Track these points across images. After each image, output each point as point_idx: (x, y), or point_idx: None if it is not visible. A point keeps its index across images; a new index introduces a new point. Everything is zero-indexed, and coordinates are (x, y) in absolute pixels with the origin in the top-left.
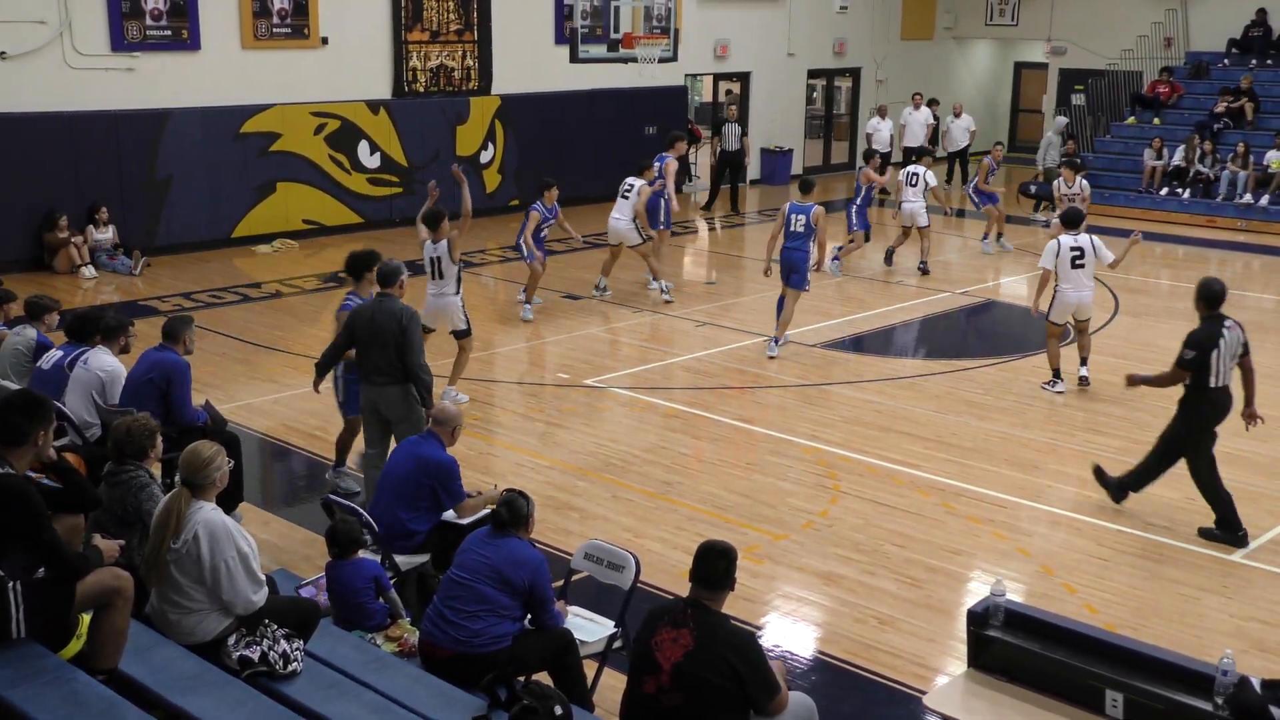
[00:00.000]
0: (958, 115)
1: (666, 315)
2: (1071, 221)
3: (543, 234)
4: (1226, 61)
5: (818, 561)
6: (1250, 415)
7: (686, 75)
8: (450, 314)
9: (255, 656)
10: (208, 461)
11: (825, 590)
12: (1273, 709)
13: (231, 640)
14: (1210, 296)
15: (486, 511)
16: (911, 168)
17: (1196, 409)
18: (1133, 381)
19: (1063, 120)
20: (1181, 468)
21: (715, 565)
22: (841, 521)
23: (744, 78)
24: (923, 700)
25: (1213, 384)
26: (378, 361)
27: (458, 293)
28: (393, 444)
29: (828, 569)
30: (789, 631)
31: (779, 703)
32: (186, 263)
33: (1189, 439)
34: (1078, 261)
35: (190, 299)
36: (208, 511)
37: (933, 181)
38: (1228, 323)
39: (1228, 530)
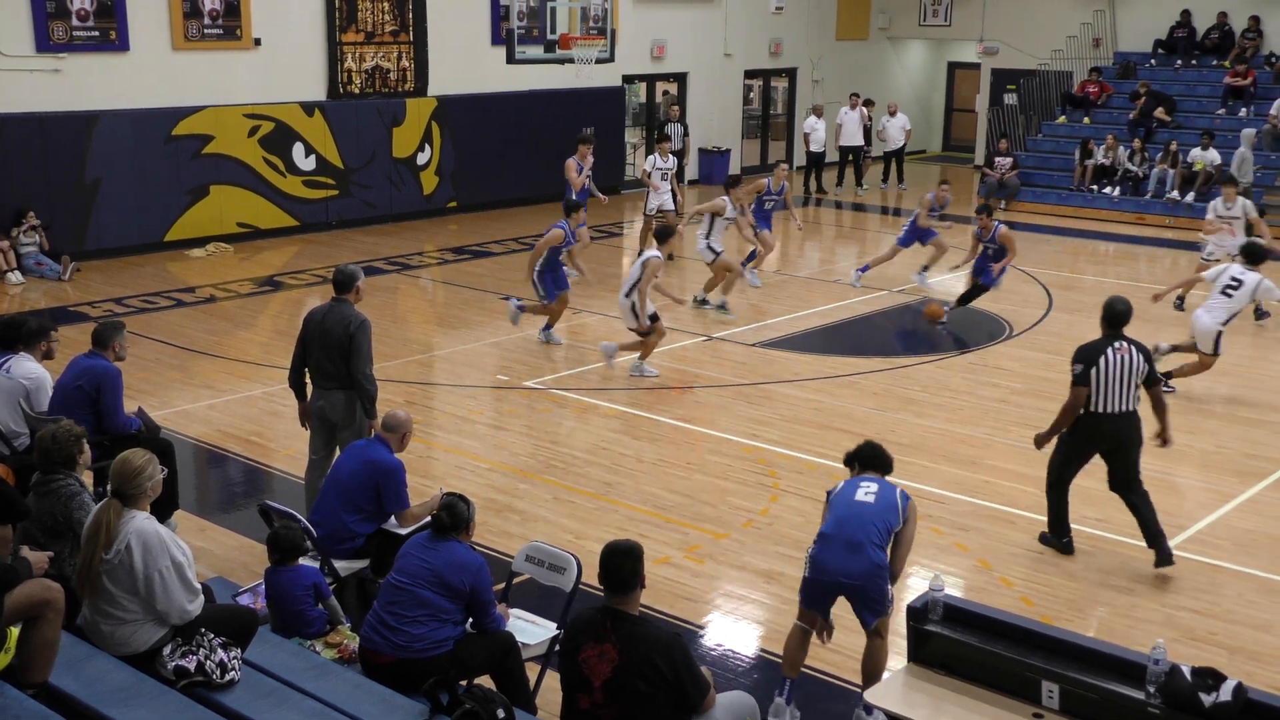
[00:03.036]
0: (893, 115)
1: (606, 316)
2: (1255, 257)
3: (561, 259)
4: (1153, 62)
5: (759, 560)
6: (1162, 439)
7: (623, 76)
8: (624, 313)
9: (192, 666)
10: (138, 471)
11: (766, 588)
12: (1202, 695)
13: (167, 650)
14: (1111, 316)
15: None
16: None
17: (1071, 429)
18: (1042, 441)
19: (1251, 131)
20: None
21: (621, 567)
22: (782, 520)
23: (681, 78)
24: (863, 695)
25: (1091, 408)
26: (324, 366)
27: (628, 295)
28: (338, 453)
29: (769, 567)
30: (731, 630)
31: (710, 699)
32: (117, 267)
33: (1057, 449)
34: (1228, 289)
35: (122, 304)
36: (141, 521)
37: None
38: (1117, 344)
39: (1055, 535)
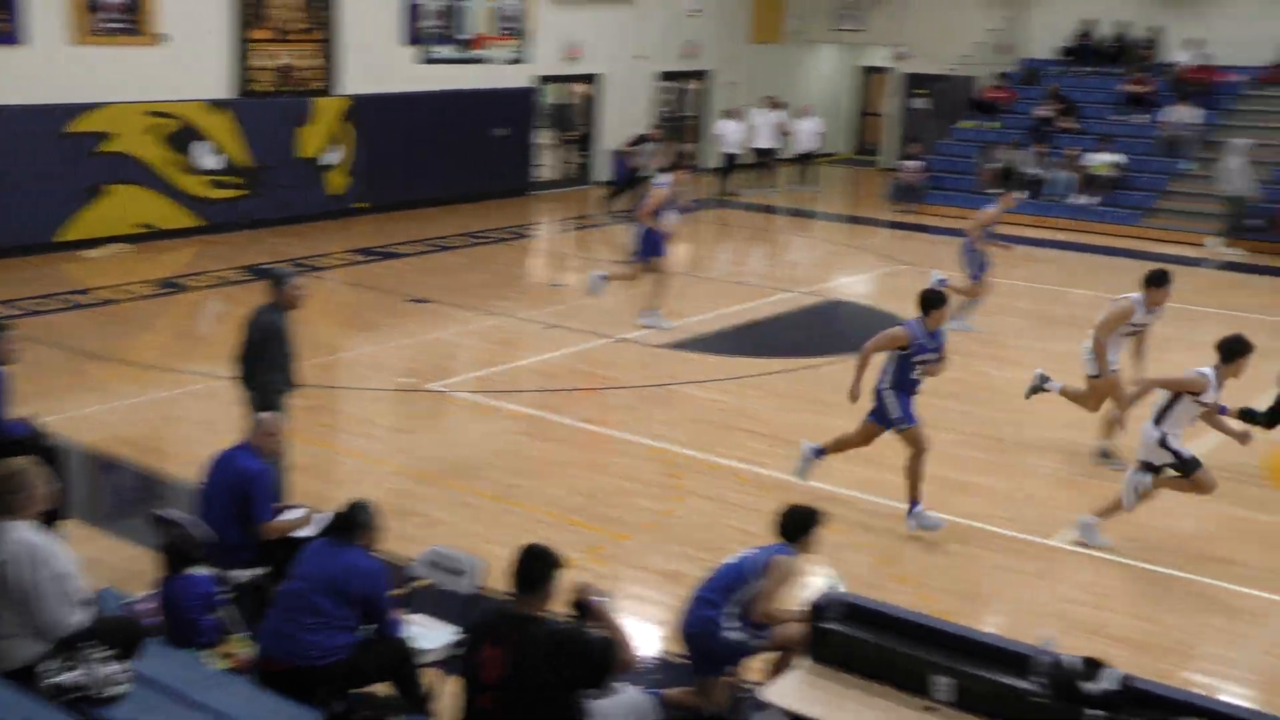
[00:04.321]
0: (805, 117)
1: (513, 318)
2: None
3: (915, 375)
4: (1058, 68)
5: (661, 560)
6: None
7: (537, 77)
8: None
9: (74, 681)
10: (6, 479)
11: (668, 588)
12: (1088, 685)
13: (48, 665)
14: None
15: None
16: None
17: None
18: None
19: (1244, 143)
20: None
21: (531, 568)
22: (685, 520)
23: (596, 80)
24: (762, 694)
25: None
26: (245, 366)
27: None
28: None
29: (671, 567)
30: (633, 631)
31: (625, 663)
32: (6, 268)
33: None
34: None
35: (12, 306)
36: (22, 531)
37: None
38: None
39: None
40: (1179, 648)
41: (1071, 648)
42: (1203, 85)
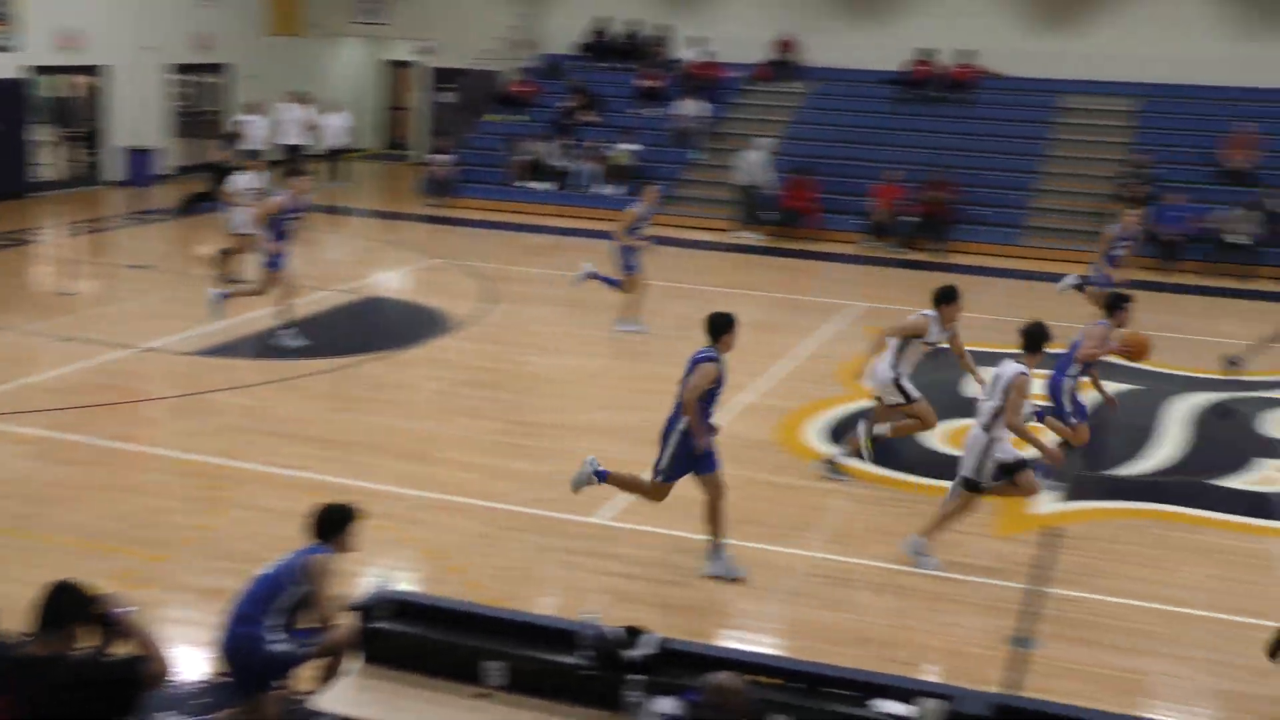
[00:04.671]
0: (331, 113)
1: (18, 332)
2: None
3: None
4: (577, 63)
5: (199, 578)
6: None
7: (29, 67)
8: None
9: None
10: None
11: (208, 606)
12: (629, 652)
13: None
14: None
15: None
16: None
17: None
18: None
19: (767, 140)
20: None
21: (55, 605)
22: (227, 533)
23: (100, 71)
24: (315, 703)
25: None
26: None
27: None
28: None
29: (210, 584)
30: (173, 656)
31: (157, 675)
32: None
33: None
34: None
35: None
36: None
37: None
38: None
39: None
40: (713, 607)
41: (619, 618)
42: (707, 81)
